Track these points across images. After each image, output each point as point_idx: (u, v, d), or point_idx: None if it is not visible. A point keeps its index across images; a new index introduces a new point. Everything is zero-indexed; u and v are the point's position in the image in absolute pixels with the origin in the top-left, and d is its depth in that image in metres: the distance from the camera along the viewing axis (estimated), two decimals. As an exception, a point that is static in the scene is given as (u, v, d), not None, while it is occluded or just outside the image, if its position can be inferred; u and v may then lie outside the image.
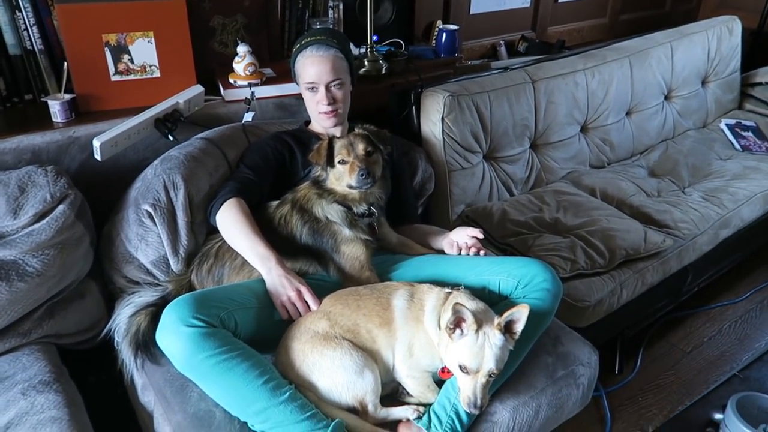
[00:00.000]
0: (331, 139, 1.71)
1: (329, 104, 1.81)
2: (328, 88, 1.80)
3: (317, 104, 1.83)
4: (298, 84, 1.90)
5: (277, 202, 1.75)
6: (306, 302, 1.51)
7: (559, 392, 1.58)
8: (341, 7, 2.55)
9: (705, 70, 3.33)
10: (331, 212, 1.68)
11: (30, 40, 1.93)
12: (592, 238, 2.19)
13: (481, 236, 1.72)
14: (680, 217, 2.43)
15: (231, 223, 1.63)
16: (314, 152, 1.71)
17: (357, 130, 1.73)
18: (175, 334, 1.34)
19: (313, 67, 1.79)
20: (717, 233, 2.47)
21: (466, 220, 2.37)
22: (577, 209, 2.41)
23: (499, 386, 1.50)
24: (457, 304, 1.34)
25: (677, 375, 2.36)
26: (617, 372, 2.34)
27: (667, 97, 3.19)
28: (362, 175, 1.63)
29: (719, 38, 3.33)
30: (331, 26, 2.48)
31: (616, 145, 2.94)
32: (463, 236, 1.74)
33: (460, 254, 1.73)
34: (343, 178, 1.67)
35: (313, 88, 1.81)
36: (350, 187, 1.67)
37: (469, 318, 1.33)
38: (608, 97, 2.85)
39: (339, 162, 1.67)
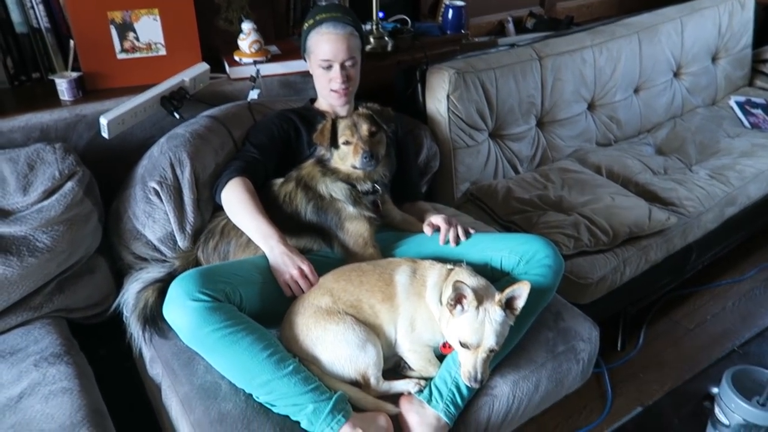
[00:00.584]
0: (335, 120, 1.71)
1: (343, 82, 1.81)
2: (343, 66, 1.80)
3: (330, 82, 1.83)
4: (307, 60, 1.89)
5: (281, 179, 1.77)
6: (309, 279, 1.53)
7: (559, 367, 1.60)
8: (347, -17, 2.53)
9: (715, 46, 3.28)
10: (336, 190, 1.70)
11: (36, 18, 1.94)
12: (596, 215, 2.20)
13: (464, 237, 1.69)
14: (686, 195, 2.42)
15: (235, 201, 1.65)
16: (318, 133, 1.71)
17: (361, 110, 1.74)
18: (181, 308, 1.37)
19: (329, 45, 1.78)
20: (722, 211, 2.46)
21: (471, 198, 2.38)
22: (582, 187, 2.41)
23: (500, 361, 1.52)
24: (457, 281, 1.36)
25: (679, 352, 2.37)
26: (619, 349, 2.36)
27: (676, 74, 3.16)
28: (366, 158, 1.64)
29: (731, 13, 3.27)
30: (337, 2, 2.46)
31: (624, 122, 2.93)
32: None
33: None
34: (347, 158, 1.68)
35: (328, 66, 1.81)
36: (354, 167, 1.68)
37: (470, 295, 1.35)
38: (616, 74, 2.83)
39: (343, 143, 1.68)
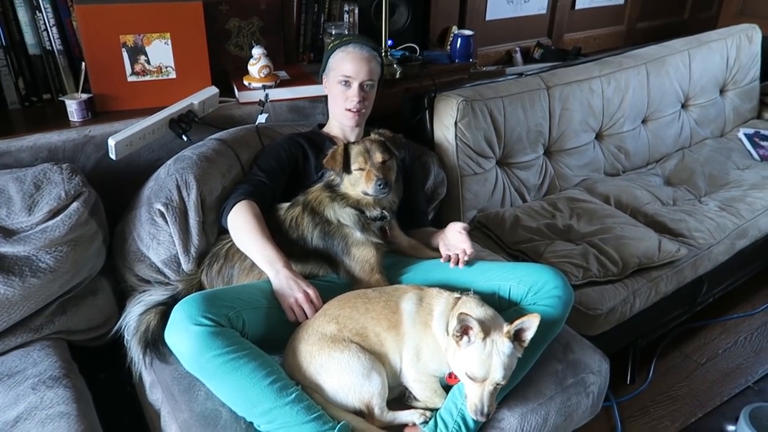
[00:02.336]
0: (347, 145, 1.70)
1: (359, 102, 1.83)
2: (362, 86, 1.82)
3: (346, 100, 1.84)
4: (324, 80, 1.91)
5: (288, 204, 1.75)
6: (314, 304, 1.51)
7: (568, 400, 1.56)
8: (356, 11, 2.56)
9: (723, 79, 3.29)
10: (344, 215, 1.68)
11: (49, 40, 1.96)
12: (605, 245, 2.17)
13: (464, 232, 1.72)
14: (696, 227, 2.39)
15: (240, 225, 1.63)
16: (329, 158, 1.70)
17: (373, 136, 1.73)
18: (183, 333, 1.34)
19: (353, 63, 1.81)
20: (733, 243, 2.43)
21: (478, 226, 2.36)
22: (591, 216, 2.39)
23: (507, 392, 1.48)
24: (462, 313, 1.33)
25: (691, 386, 2.32)
26: (629, 382, 2.31)
27: (684, 106, 3.16)
28: (380, 185, 1.63)
29: (738, 47, 3.29)
30: (345, 30, 2.49)
31: (632, 152, 2.92)
32: (455, 244, 1.72)
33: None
34: (358, 184, 1.67)
35: (347, 82, 1.83)
36: (366, 194, 1.67)
37: (476, 327, 1.32)
38: (624, 105, 2.83)
39: (356, 169, 1.67)
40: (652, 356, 2.43)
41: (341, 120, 1.89)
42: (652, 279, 2.15)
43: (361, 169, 1.66)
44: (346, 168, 1.67)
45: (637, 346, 2.32)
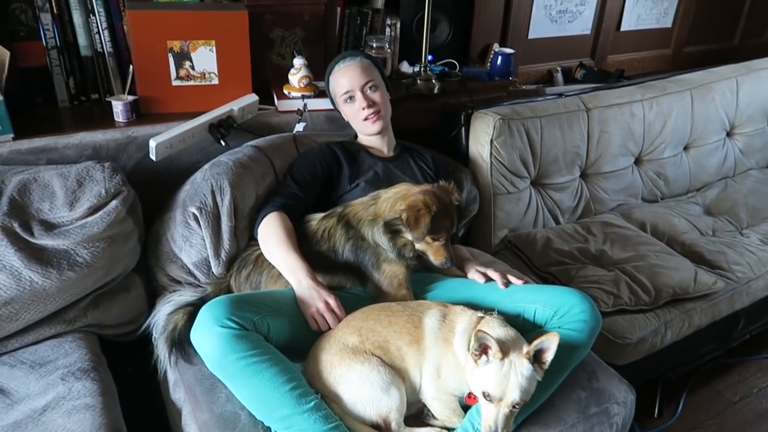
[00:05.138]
0: (435, 216, 1.59)
1: (369, 106, 1.86)
2: (363, 92, 1.86)
3: (358, 112, 1.88)
4: (336, 106, 1.98)
5: (322, 214, 1.75)
6: (335, 314, 1.51)
7: (590, 430, 1.52)
8: (398, 25, 2.58)
9: (772, 108, 3.19)
10: (382, 240, 1.65)
11: (101, 42, 2.04)
12: (638, 273, 2.12)
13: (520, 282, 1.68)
14: (735, 259, 2.32)
15: (269, 236, 1.66)
16: (413, 221, 1.57)
17: (454, 201, 1.68)
18: (208, 333, 1.37)
19: (343, 78, 1.87)
20: (774, 279, 2.35)
21: (508, 245, 2.34)
22: (625, 243, 2.34)
23: (527, 416, 1.46)
24: (479, 330, 1.32)
25: (721, 425, 2.24)
26: (657, 415, 2.24)
27: (729, 134, 3.08)
28: (446, 264, 1.64)
29: (790, 76, 3.19)
30: (386, 44, 2.51)
31: (671, 179, 2.85)
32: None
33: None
34: (425, 248, 1.63)
35: (350, 97, 1.88)
36: (424, 254, 1.65)
37: (494, 346, 1.31)
38: (666, 130, 2.77)
39: (431, 239, 1.61)
40: (682, 390, 2.36)
41: (366, 132, 1.92)
42: (686, 311, 2.09)
43: (435, 239, 1.62)
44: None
45: (667, 378, 2.25)
